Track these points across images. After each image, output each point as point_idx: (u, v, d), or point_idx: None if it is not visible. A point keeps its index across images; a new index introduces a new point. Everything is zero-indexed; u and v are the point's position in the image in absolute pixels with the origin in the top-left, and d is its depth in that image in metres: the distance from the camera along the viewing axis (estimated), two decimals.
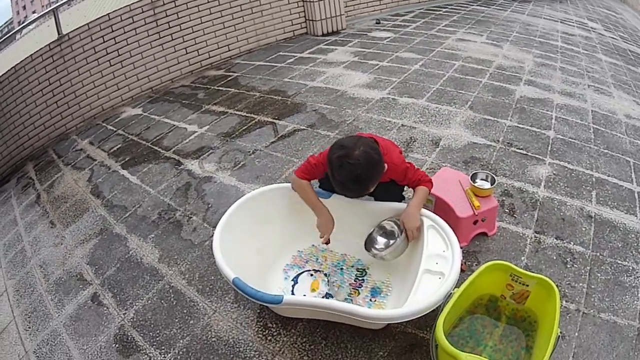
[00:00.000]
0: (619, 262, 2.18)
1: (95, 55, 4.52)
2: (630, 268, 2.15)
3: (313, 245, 2.19)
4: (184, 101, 4.53)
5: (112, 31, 4.57)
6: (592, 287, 2.02)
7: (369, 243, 2.01)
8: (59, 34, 4.32)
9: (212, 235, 2.35)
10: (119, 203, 3.00)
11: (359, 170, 1.75)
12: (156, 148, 3.63)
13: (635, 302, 1.97)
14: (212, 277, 2.24)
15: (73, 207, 3.08)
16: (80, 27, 4.40)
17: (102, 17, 4.49)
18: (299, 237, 2.19)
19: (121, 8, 4.59)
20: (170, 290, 2.21)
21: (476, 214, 2.08)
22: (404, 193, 2.17)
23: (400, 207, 1.97)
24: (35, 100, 4.28)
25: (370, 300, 1.91)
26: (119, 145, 3.80)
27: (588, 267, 2.13)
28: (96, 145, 3.92)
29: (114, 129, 4.18)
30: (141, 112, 4.48)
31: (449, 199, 2.13)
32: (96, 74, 4.58)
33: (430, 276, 1.62)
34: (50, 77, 4.33)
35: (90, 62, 4.51)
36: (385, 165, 1.86)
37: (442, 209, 2.09)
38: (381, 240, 2.00)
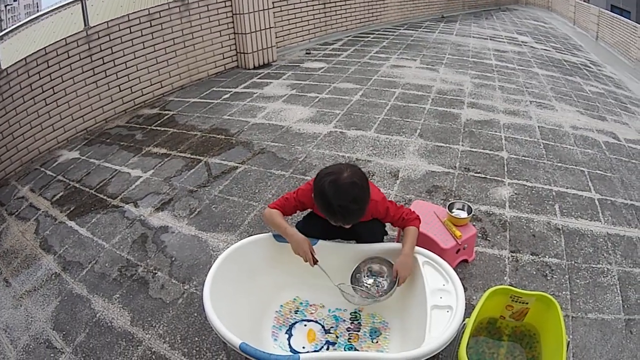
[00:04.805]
0: (594, 266, 2.62)
1: (32, 93, 4.57)
2: (605, 269, 2.60)
3: (296, 298, 2.34)
4: (122, 143, 4.62)
5: (48, 66, 4.63)
6: (575, 292, 2.42)
7: (356, 282, 2.16)
8: None
9: (184, 293, 2.55)
10: (72, 259, 3.00)
11: (356, 189, 1.91)
12: (101, 196, 3.67)
13: (617, 297, 2.40)
14: (197, 339, 2.27)
15: (25, 263, 3.05)
16: (18, 61, 4.43)
17: (38, 50, 4.57)
18: (285, 288, 2.32)
19: (57, 42, 4.68)
20: (153, 357, 2.22)
21: (459, 243, 2.39)
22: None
23: (387, 246, 2.21)
24: None
25: (373, 342, 2.09)
26: (61, 193, 3.81)
27: (567, 276, 2.53)
28: (37, 193, 3.90)
29: (53, 175, 4.18)
30: (79, 155, 4.52)
31: (430, 232, 2.42)
32: (32, 113, 4.60)
33: (438, 311, 1.84)
34: None
35: (27, 101, 4.54)
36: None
37: (424, 242, 2.34)
38: (369, 281, 2.18)
